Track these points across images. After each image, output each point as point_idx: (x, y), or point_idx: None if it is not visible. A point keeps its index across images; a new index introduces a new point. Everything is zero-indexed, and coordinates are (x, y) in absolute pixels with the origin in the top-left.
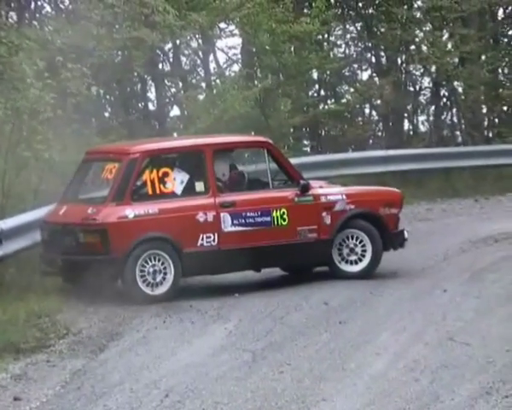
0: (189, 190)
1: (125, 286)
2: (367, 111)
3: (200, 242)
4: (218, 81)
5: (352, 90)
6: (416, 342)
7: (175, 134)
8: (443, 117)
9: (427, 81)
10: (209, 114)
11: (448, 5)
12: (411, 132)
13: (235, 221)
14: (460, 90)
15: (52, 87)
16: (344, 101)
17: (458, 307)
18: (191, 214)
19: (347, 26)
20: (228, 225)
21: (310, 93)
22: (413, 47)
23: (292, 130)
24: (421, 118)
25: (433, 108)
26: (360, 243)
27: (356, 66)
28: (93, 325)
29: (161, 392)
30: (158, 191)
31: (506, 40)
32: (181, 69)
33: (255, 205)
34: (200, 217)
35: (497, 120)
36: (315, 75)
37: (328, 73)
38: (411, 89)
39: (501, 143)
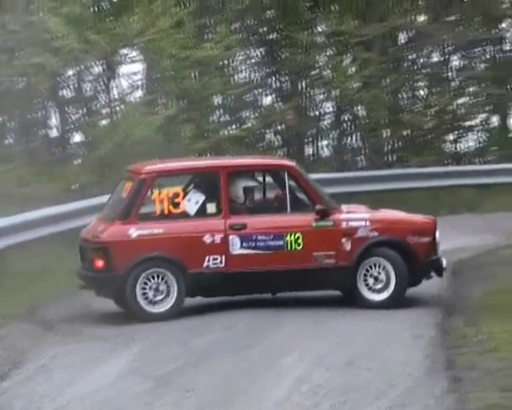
0: (201, 211)
1: (127, 303)
2: (269, 136)
3: (206, 263)
4: (121, 107)
5: (254, 115)
6: (319, 366)
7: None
8: (345, 142)
9: (329, 106)
10: (110, 140)
11: (350, 30)
12: (313, 157)
13: (244, 244)
14: (362, 114)
15: None
16: (246, 126)
17: (360, 331)
18: (197, 236)
19: (250, 52)
20: (237, 247)
21: (212, 118)
22: (315, 72)
23: (195, 155)
24: (324, 143)
25: (335, 132)
26: (384, 271)
27: (258, 91)
28: None
29: None
30: (166, 211)
31: (407, 64)
32: (83, 95)
33: (267, 228)
34: (207, 238)
35: (397, 145)
36: (218, 100)
37: (230, 98)
38: (313, 114)
39: (401, 167)
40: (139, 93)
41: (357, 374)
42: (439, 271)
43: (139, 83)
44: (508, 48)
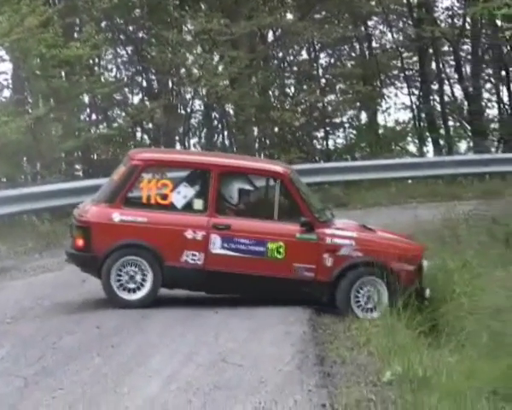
0: (188, 206)
1: (103, 285)
2: (139, 135)
3: (184, 258)
4: None
5: (123, 114)
6: (189, 363)
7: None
8: (214, 139)
9: (198, 104)
10: None
11: (217, 28)
12: None
13: (225, 244)
14: (231, 112)
15: None
16: (116, 125)
17: (230, 328)
18: (179, 230)
19: (118, 50)
20: (217, 246)
21: (81, 117)
22: (183, 70)
23: (64, 155)
24: (193, 140)
25: (204, 130)
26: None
27: (127, 89)
28: None
29: None
30: (153, 201)
31: (276, 62)
32: None
33: (250, 232)
34: (189, 234)
35: (268, 141)
36: (86, 99)
37: (99, 97)
38: (183, 112)
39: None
40: (6, 93)
41: (228, 371)
42: (423, 300)
43: (6, 83)
44: (375, 45)
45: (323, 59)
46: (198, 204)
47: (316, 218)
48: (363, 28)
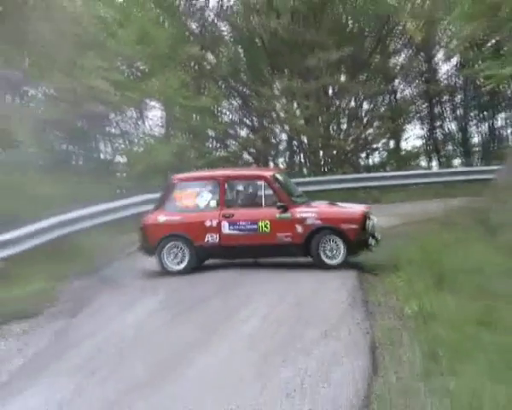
0: (208, 205)
1: (158, 263)
2: (245, 156)
3: (206, 239)
4: (150, 140)
5: (235, 142)
6: (279, 304)
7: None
8: (294, 159)
9: (283, 136)
10: (141, 161)
11: (296, 85)
12: None
13: (231, 227)
14: (305, 140)
15: (39, 145)
16: (230, 150)
17: (306, 280)
18: (201, 221)
19: (231, 101)
20: (226, 229)
21: (208, 145)
22: (274, 114)
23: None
24: (281, 160)
25: (287, 153)
26: (336, 245)
27: (237, 127)
28: (72, 297)
29: (116, 340)
30: (183, 205)
31: (334, 108)
32: (124, 131)
33: (246, 217)
34: (207, 223)
35: (329, 160)
36: (210, 133)
37: (219, 131)
38: (274, 141)
39: (332, 174)
40: (160, 129)
41: (304, 309)
42: (368, 247)
43: (159, 123)
44: (399, 96)
45: (365, 105)
46: (213, 203)
47: (290, 202)
48: (390, 85)
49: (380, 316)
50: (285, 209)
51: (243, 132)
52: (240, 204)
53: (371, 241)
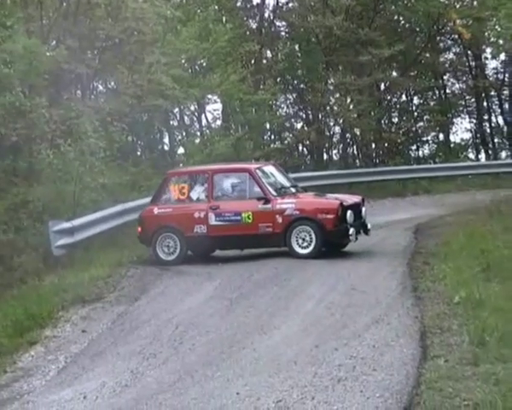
0: (198, 198)
1: (152, 253)
2: (300, 148)
3: (195, 230)
4: (207, 131)
5: (290, 135)
6: (332, 290)
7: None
8: (348, 151)
9: (337, 129)
10: (202, 152)
11: (349, 81)
12: (328, 161)
13: (217, 218)
14: (358, 133)
15: (104, 137)
16: (286, 142)
17: (357, 268)
18: (191, 213)
19: (287, 95)
20: (213, 220)
21: (264, 137)
22: (328, 107)
23: (253, 161)
24: (334, 151)
25: (341, 145)
26: (309, 235)
27: (293, 120)
28: (130, 283)
29: (173, 325)
30: (176, 198)
31: (386, 102)
32: (184, 124)
33: (231, 208)
34: (196, 214)
35: (381, 152)
36: (267, 126)
37: (275, 124)
38: (327, 134)
39: (383, 166)
40: (218, 122)
41: (356, 295)
42: (347, 237)
43: (218, 116)
44: (448, 91)
45: (416, 100)
46: (203, 195)
47: (271, 194)
48: (440, 81)
49: (429, 302)
50: (266, 201)
51: (298, 125)
52: (227, 197)
53: (352, 231)
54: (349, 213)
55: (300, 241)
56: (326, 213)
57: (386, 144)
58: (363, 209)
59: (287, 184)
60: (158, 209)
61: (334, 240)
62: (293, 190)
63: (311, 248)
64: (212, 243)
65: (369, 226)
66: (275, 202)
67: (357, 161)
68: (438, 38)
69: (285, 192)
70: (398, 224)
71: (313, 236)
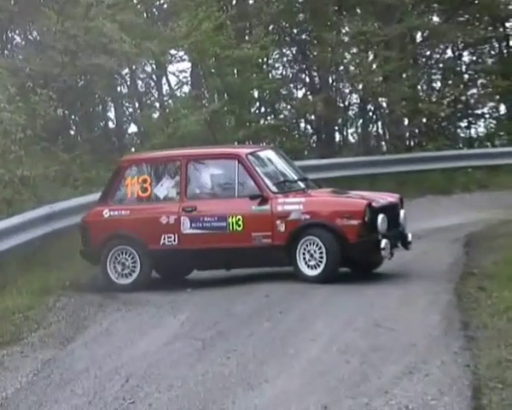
0: (166, 195)
1: (101, 273)
2: (302, 125)
3: (162, 241)
4: (170, 101)
5: (288, 107)
6: (347, 328)
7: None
8: (369, 129)
9: (354, 98)
10: (163, 131)
11: (372, 30)
12: (342, 143)
13: (193, 224)
14: (384, 104)
15: (22, 110)
16: (282, 116)
17: (384, 297)
18: (156, 217)
19: (284, 50)
20: (187, 227)
21: (251, 110)
22: (342, 68)
23: (236, 143)
24: (351, 130)
25: (360, 121)
26: (319, 249)
27: (292, 85)
28: (61, 319)
29: (122, 378)
30: (135, 196)
31: (424, 60)
32: (137, 91)
33: (213, 211)
34: (163, 219)
35: (417, 131)
36: (256, 94)
37: (267, 92)
38: (341, 105)
39: (420, 151)
40: (186, 89)
41: (382, 335)
42: (377, 252)
43: (186, 80)
44: None
45: (466, 57)
46: (172, 192)
47: (270, 190)
48: (501, 29)
49: (485, 345)
50: (263, 200)
51: (300, 93)
52: (206, 194)
53: (385, 243)
54: (381, 217)
55: (308, 256)
56: (348, 217)
57: (424, 120)
58: (402, 213)
59: (292, 176)
60: (109, 211)
61: (358, 256)
62: (301, 184)
63: (320, 267)
64: (185, 259)
65: (409, 238)
66: (275, 201)
67: (383, 143)
68: None
69: (290, 188)
70: (442, 232)
71: (326, 249)
